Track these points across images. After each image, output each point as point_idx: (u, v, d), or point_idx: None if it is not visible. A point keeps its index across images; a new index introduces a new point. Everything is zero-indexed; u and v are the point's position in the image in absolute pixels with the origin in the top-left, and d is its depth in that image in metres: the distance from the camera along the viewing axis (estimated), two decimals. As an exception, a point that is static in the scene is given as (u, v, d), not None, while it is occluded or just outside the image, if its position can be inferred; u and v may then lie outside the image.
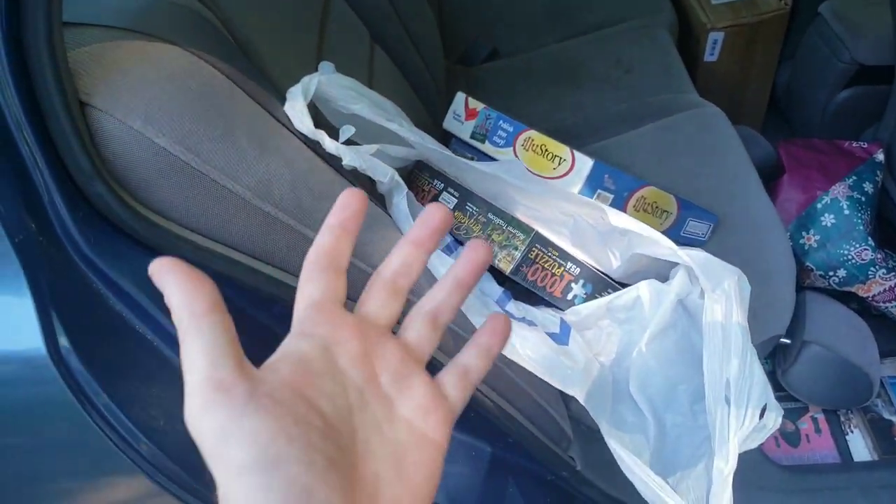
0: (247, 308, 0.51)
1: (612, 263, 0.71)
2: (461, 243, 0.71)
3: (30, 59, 0.37)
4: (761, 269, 0.98)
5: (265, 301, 0.51)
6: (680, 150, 1.10)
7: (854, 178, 1.19)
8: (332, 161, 0.58)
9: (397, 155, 0.69)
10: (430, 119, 1.07)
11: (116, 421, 0.44)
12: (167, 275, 0.26)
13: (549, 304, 0.71)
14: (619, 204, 0.78)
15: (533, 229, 0.65)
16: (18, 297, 0.41)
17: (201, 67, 0.47)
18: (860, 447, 1.16)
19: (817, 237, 1.18)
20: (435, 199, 0.75)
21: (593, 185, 0.74)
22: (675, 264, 0.69)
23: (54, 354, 0.41)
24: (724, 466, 0.60)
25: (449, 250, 0.71)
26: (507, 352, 0.60)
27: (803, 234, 1.19)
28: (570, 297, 0.70)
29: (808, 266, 1.19)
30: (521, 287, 0.69)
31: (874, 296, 1.20)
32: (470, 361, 0.32)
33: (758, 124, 1.61)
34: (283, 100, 0.56)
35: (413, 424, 0.29)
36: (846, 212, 1.16)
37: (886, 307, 1.22)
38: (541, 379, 0.64)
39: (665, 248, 0.65)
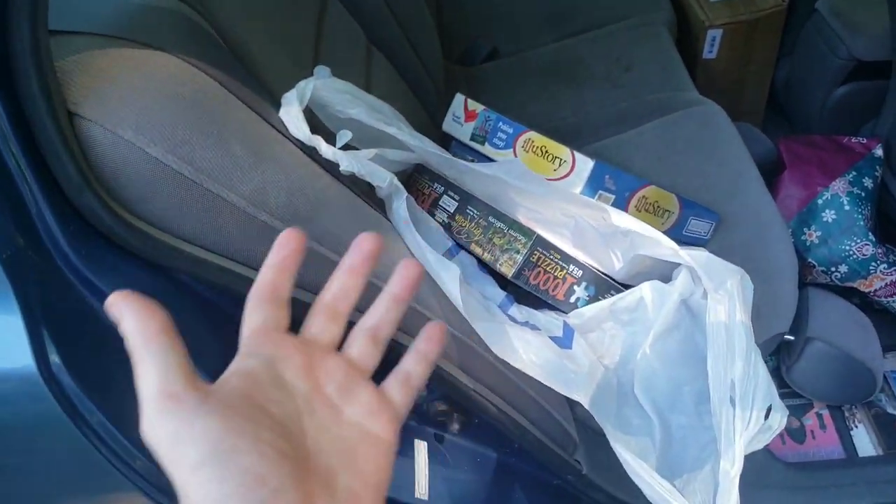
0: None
1: (615, 265, 0.70)
2: (463, 247, 0.70)
3: (15, 68, 0.36)
4: (764, 266, 0.98)
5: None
6: (680, 148, 1.09)
7: (854, 173, 1.18)
8: (330, 167, 0.57)
9: (396, 159, 0.68)
10: (430, 121, 1.06)
11: (110, 437, 0.43)
12: (120, 305, 0.29)
13: (552, 308, 0.70)
14: (621, 204, 0.77)
15: (534, 232, 0.64)
16: (8, 314, 0.40)
17: (193, 74, 0.46)
18: (865, 442, 1.15)
19: (818, 233, 1.17)
20: (435, 202, 0.74)
21: (594, 185, 0.73)
22: (678, 264, 0.68)
23: (45, 371, 0.40)
24: (731, 468, 0.59)
25: (450, 255, 0.70)
26: (510, 358, 0.59)
27: (804, 230, 1.18)
28: (572, 299, 0.69)
29: (809, 262, 1.19)
30: (523, 290, 0.68)
31: (876, 291, 1.20)
32: (410, 368, 0.36)
33: (757, 121, 1.60)
34: (278, 105, 0.55)
35: (360, 425, 0.32)
36: (846, 207, 1.15)
37: (888, 302, 1.21)
38: (545, 383, 0.63)
39: (667, 248, 0.65)
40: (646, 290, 0.68)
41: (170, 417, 0.27)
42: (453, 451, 0.70)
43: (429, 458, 0.67)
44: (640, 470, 0.60)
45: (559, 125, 1.21)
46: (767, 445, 0.87)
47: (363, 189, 0.62)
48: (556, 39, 1.39)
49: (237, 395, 0.29)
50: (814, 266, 1.19)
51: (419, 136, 0.68)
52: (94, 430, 0.42)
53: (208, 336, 0.47)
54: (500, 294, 0.68)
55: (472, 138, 0.83)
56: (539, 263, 0.65)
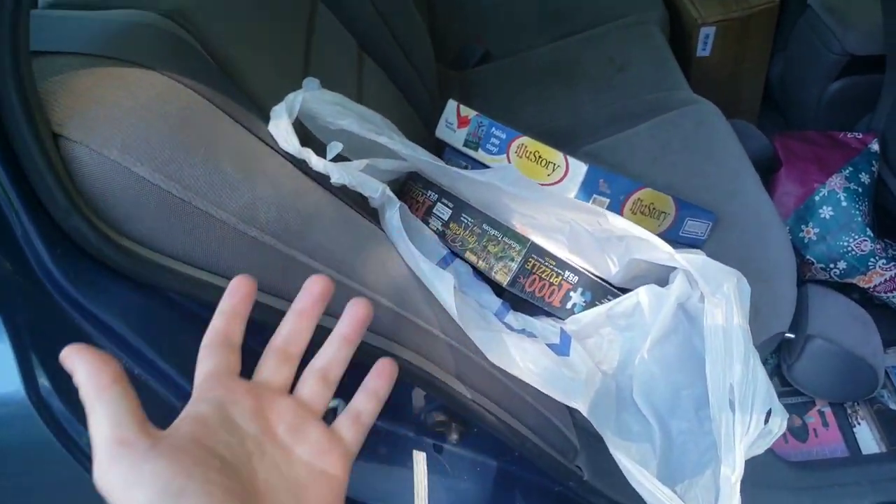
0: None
1: (611, 269, 0.69)
2: (457, 255, 0.70)
3: (-3, 92, 0.36)
4: (762, 265, 0.97)
5: (257, 328, 0.50)
6: (676, 148, 1.09)
7: (850, 169, 1.17)
8: (321, 179, 0.56)
9: (388, 168, 0.68)
10: (424, 126, 1.06)
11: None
12: (74, 357, 0.30)
13: (548, 314, 0.69)
14: (616, 207, 0.77)
15: (528, 239, 0.64)
16: (-5, 339, 0.39)
17: (179, 91, 0.46)
18: (868, 439, 1.15)
19: (816, 230, 1.16)
20: (429, 210, 0.74)
21: (588, 190, 0.73)
22: (675, 268, 0.67)
23: (34, 396, 0.40)
24: (732, 474, 0.59)
25: (445, 263, 0.70)
26: (507, 366, 0.59)
27: (802, 227, 1.18)
28: (569, 305, 0.68)
29: (808, 259, 1.18)
30: (519, 297, 0.68)
31: (875, 286, 1.19)
32: (361, 406, 0.37)
33: (753, 118, 1.60)
34: (268, 119, 0.55)
35: (311, 464, 0.34)
36: (844, 203, 1.15)
37: (888, 297, 1.21)
38: (543, 391, 0.63)
39: (663, 252, 0.64)
40: (642, 294, 0.67)
41: (121, 463, 0.28)
42: (452, 461, 0.70)
43: (428, 468, 0.67)
44: (641, 477, 0.60)
45: (554, 127, 1.21)
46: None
47: (356, 200, 0.62)
48: (550, 41, 1.39)
49: (187, 438, 0.30)
50: (812, 263, 1.18)
51: (411, 144, 0.67)
52: (84, 452, 0.41)
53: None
54: (496, 302, 0.68)
55: (466, 144, 0.83)
56: (534, 270, 0.65)
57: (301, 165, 0.55)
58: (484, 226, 0.67)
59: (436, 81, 1.21)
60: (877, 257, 1.14)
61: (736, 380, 0.58)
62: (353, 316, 0.38)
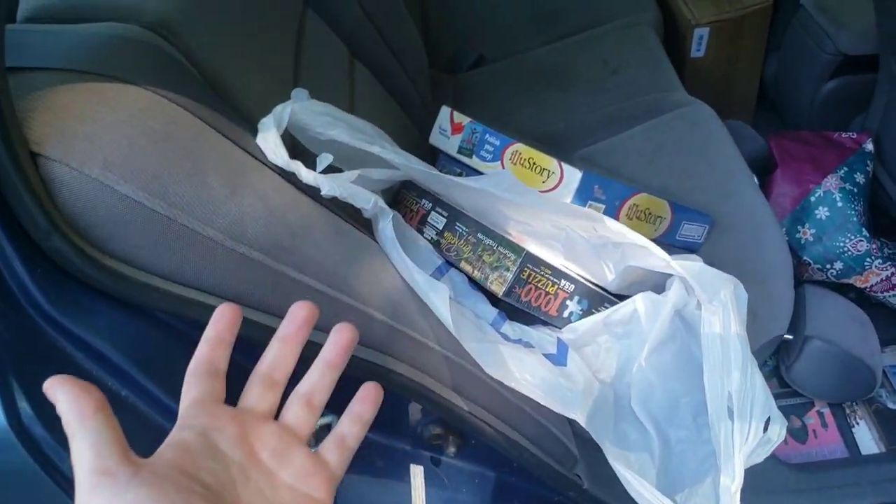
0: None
1: (607, 276, 0.68)
2: (452, 265, 0.69)
3: (-28, 112, 0.35)
4: (759, 267, 0.97)
5: (247, 346, 0.49)
6: (671, 150, 1.08)
7: (845, 169, 1.17)
8: (312, 192, 0.55)
9: (381, 178, 0.67)
10: (418, 132, 1.05)
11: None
12: (56, 388, 0.30)
13: (545, 323, 0.69)
14: (612, 213, 0.76)
15: (524, 249, 0.63)
16: (-26, 366, 0.38)
17: (163, 106, 0.45)
18: (867, 439, 1.14)
19: (813, 231, 1.16)
20: (423, 219, 0.73)
21: (583, 196, 0.72)
22: (671, 274, 0.67)
23: (15, 423, 0.39)
24: (731, 483, 0.58)
25: (440, 273, 0.69)
26: (504, 378, 0.58)
27: (799, 228, 1.17)
28: (565, 314, 0.67)
29: (805, 260, 1.18)
30: (516, 307, 0.67)
31: (872, 286, 1.19)
32: (346, 430, 0.38)
33: (748, 118, 1.60)
34: (256, 132, 0.54)
35: (295, 488, 0.34)
36: (839, 204, 1.15)
37: (884, 297, 1.20)
38: (541, 401, 0.62)
39: (659, 259, 0.63)
40: (639, 302, 0.67)
41: (103, 492, 0.28)
42: (451, 474, 0.69)
43: (426, 482, 0.66)
44: (640, 487, 0.59)
45: (549, 131, 1.20)
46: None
47: (348, 211, 0.61)
48: (543, 43, 1.38)
49: (170, 466, 0.30)
50: (809, 264, 1.18)
51: (404, 153, 0.66)
52: (66, 478, 0.40)
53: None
54: (492, 312, 0.67)
55: (460, 151, 0.82)
56: (530, 280, 0.64)
57: (291, 178, 0.54)
58: (479, 235, 0.66)
59: (429, 86, 1.20)
60: (873, 257, 1.14)
61: (734, 388, 0.58)
62: (338, 342, 0.38)
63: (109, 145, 0.41)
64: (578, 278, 0.68)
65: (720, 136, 1.09)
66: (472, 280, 0.67)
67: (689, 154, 1.07)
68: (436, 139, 0.86)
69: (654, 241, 0.85)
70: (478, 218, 0.70)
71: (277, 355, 0.37)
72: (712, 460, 0.64)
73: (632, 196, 0.78)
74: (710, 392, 0.59)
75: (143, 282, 0.44)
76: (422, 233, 0.72)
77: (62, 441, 0.41)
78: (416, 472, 0.65)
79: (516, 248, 0.63)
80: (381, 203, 0.61)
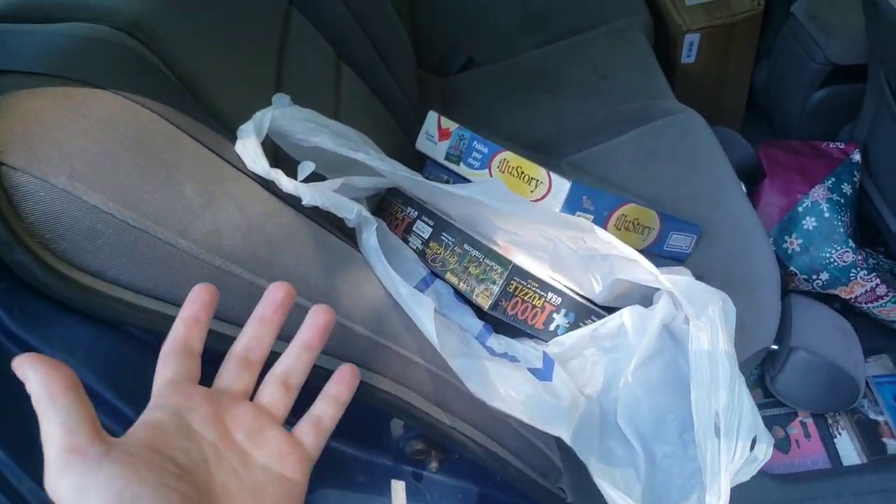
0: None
1: (595, 288, 0.67)
2: (438, 276, 0.67)
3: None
4: (746, 277, 0.96)
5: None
6: (661, 158, 1.07)
7: (833, 179, 1.17)
8: (292, 201, 0.54)
9: (365, 185, 0.65)
10: (406, 136, 1.03)
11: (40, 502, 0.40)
12: (26, 366, 0.29)
13: (531, 336, 0.67)
14: (600, 224, 0.75)
15: (510, 261, 0.62)
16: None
17: (136, 112, 0.43)
18: (849, 449, 1.15)
19: (800, 241, 1.16)
20: (409, 227, 0.71)
21: (572, 206, 0.71)
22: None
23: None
24: (717, 502, 0.57)
25: (425, 283, 0.67)
26: (488, 396, 0.56)
27: (786, 238, 1.17)
28: (552, 327, 0.66)
29: (791, 270, 1.17)
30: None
31: (856, 297, 1.19)
32: (321, 411, 0.37)
33: (737, 124, 1.59)
34: (235, 139, 0.52)
35: (269, 468, 0.34)
36: (826, 214, 1.14)
37: (868, 308, 1.20)
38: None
39: (648, 273, 0.62)
40: (626, 315, 0.65)
41: (73, 470, 0.28)
42: (433, 489, 0.67)
43: (407, 497, 0.64)
44: (625, 506, 0.58)
45: (538, 136, 1.19)
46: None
47: (331, 220, 0.59)
48: (534, 47, 1.37)
49: (142, 445, 0.30)
50: (796, 274, 1.18)
51: (389, 160, 0.65)
52: (23, 498, 0.38)
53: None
54: (477, 324, 0.65)
55: (447, 158, 0.80)
56: (516, 293, 0.63)
57: (271, 187, 0.52)
58: (465, 246, 0.65)
59: (416, 88, 1.18)
60: (858, 268, 1.14)
61: (721, 406, 0.57)
62: (315, 323, 0.38)
63: (77, 153, 0.39)
64: (566, 291, 0.66)
65: (710, 144, 1.08)
66: (457, 292, 0.66)
67: (679, 162, 1.06)
68: (422, 145, 0.84)
69: (643, 251, 0.85)
70: (465, 226, 0.69)
71: (254, 336, 0.37)
72: (698, 477, 0.63)
73: (621, 206, 0.76)
74: (698, 410, 0.58)
75: (113, 296, 0.43)
76: (407, 242, 0.70)
77: (20, 461, 0.39)
78: (398, 488, 0.64)
79: (503, 261, 0.62)
80: (365, 212, 0.59)
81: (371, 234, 0.60)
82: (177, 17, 0.53)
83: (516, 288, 0.63)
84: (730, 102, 1.57)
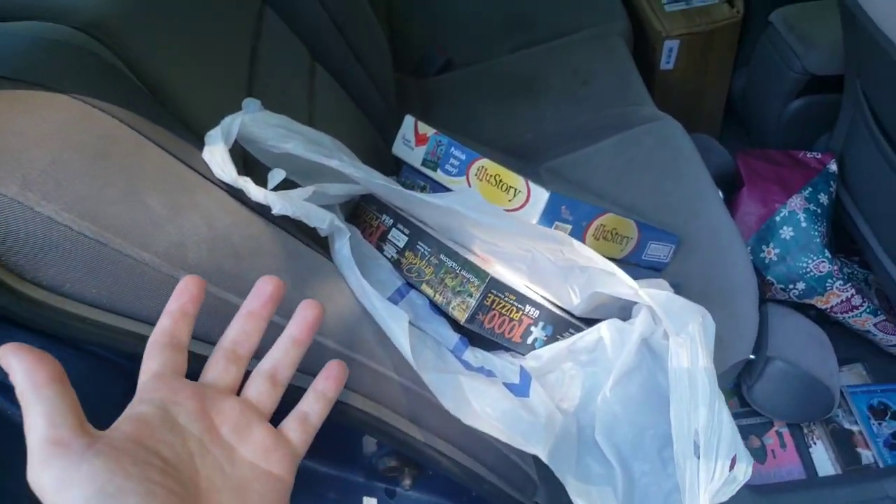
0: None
1: (573, 300, 0.66)
2: (413, 286, 0.65)
3: None
4: (724, 287, 0.96)
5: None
6: (639, 166, 1.07)
7: (810, 189, 1.17)
8: (262, 210, 0.52)
9: (339, 192, 0.63)
10: (382, 140, 1.01)
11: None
12: (10, 356, 0.29)
13: (508, 349, 0.66)
14: (578, 234, 0.74)
15: (488, 274, 0.60)
16: None
17: (96, 117, 0.41)
18: (823, 459, 1.15)
19: (777, 250, 1.16)
20: (384, 235, 0.69)
21: (550, 217, 0.69)
22: (639, 300, 0.64)
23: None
24: (696, 522, 0.56)
25: (400, 294, 0.65)
26: (463, 414, 0.55)
27: (763, 247, 1.17)
28: (529, 340, 0.65)
29: (769, 280, 1.18)
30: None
31: (832, 307, 1.20)
32: (308, 407, 0.37)
33: (715, 131, 1.60)
34: (203, 145, 0.50)
35: (255, 464, 0.33)
36: (803, 224, 1.15)
37: (844, 318, 1.21)
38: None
39: (627, 287, 0.61)
40: (605, 329, 0.64)
41: (56, 462, 0.27)
42: (405, 505, 0.66)
43: (379, 514, 0.63)
44: (602, 525, 0.57)
45: (516, 141, 1.17)
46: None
47: (304, 229, 0.57)
48: (513, 50, 1.36)
49: (126, 438, 0.29)
50: (773, 284, 1.18)
51: (364, 167, 0.63)
52: None
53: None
54: (453, 337, 0.64)
55: (424, 163, 0.79)
56: (493, 306, 0.61)
57: (239, 196, 0.50)
58: (441, 256, 0.63)
59: (393, 90, 1.16)
60: (834, 278, 1.15)
61: (701, 425, 0.56)
62: (304, 318, 0.38)
63: (30, 162, 0.37)
64: (543, 303, 0.65)
65: (688, 153, 1.08)
66: (433, 304, 0.64)
67: (658, 170, 1.06)
68: (399, 149, 0.82)
69: (621, 260, 0.84)
70: (442, 235, 0.67)
71: (242, 330, 0.37)
72: (676, 495, 0.62)
73: (599, 216, 0.76)
74: (677, 428, 0.57)
75: (69, 311, 0.40)
76: (381, 250, 0.68)
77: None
78: (370, 505, 0.62)
79: (480, 273, 0.61)
80: (338, 222, 0.57)
81: (344, 244, 0.58)
82: (142, 16, 0.51)
83: (493, 301, 0.61)
84: (708, 109, 1.57)
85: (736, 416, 1.18)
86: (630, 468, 0.64)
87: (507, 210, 0.70)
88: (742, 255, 0.99)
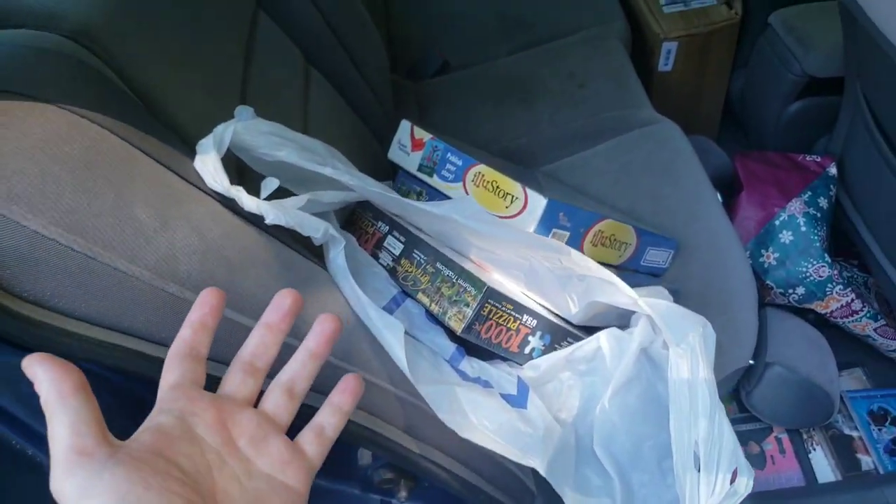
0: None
1: (571, 308, 0.65)
2: (409, 295, 0.65)
3: None
4: (723, 292, 0.95)
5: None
6: (637, 170, 1.06)
7: (809, 193, 1.17)
8: (255, 220, 0.51)
9: (333, 200, 0.62)
10: (378, 144, 1.00)
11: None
12: (36, 366, 0.29)
13: (505, 358, 0.65)
14: (576, 240, 0.73)
15: (485, 283, 0.59)
16: None
17: (84, 128, 0.40)
18: (823, 465, 1.14)
19: (776, 255, 1.15)
20: (379, 242, 0.68)
21: (548, 223, 0.69)
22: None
23: None
24: (696, 535, 0.55)
25: (396, 303, 0.64)
26: (459, 426, 0.54)
27: (762, 252, 1.16)
28: (527, 350, 0.64)
29: (768, 284, 1.17)
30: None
31: (832, 312, 1.19)
32: (324, 420, 0.37)
33: (713, 133, 1.59)
34: (195, 154, 0.49)
35: (272, 476, 0.34)
36: (803, 228, 1.14)
37: (843, 322, 1.21)
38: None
39: (626, 297, 0.61)
40: (603, 339, 0.64)
41: (78, 472, 0.28)
42: (401, 517, 0.65)
43: (374, 527, 0.62)
44: (601, 538, 0.56)
45: (513, 144, 1.17)
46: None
47: (298, 238, 0.56)
48: (510, 52, 1.35)
49: (146, 449, 0.30)
50: (772, 288, 1.17)
51: (359, 174, 0.62)
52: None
53: (123, 427, 0.41)
54: (450, 347, 0.63)
55: (420, 169, 0.78)
56: (490, 316, 0.60)
57: (231, 205, 0.49)
58: (437, 265, 0.62)
59: (390, 93, 1.15)
60: (834, 283, 1.14)
61: (701, 437, 0.55)
62: (322, 331, 0.38)
63: (15, 175, 0.36)
64: (541, 312, 0.64)
65: (687, 156, 1.07)
66: (429, 313, 0.63)
67: (656, 174, 1.05)
68: (395, 155, 0.81)
69: (619, 266, 0.83)
70: (438, 243, 0.66)
71: (260, 343, 0.37)
72: (675, 506, 0.61)
73: (597, 223, 0.75)
74: (677, 441, 0.56)
75: (57, 326, 0.39)
76: (377, 258, 0.67)
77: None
78: (365, 518, 0.61)
79: (477, 283, 0.60)
80: (332, 231, 0.56)
81: (339, 253, 0.57)
82: (131, 22, 0.50)
83: (490, 311, 0.60)
84: (706, 111, 1.57)
85: (734, 421, 1.17)
86: (629, 479, 0.63)
87: (505, 217, 0.69)
88: (741, 259, 0.98)
